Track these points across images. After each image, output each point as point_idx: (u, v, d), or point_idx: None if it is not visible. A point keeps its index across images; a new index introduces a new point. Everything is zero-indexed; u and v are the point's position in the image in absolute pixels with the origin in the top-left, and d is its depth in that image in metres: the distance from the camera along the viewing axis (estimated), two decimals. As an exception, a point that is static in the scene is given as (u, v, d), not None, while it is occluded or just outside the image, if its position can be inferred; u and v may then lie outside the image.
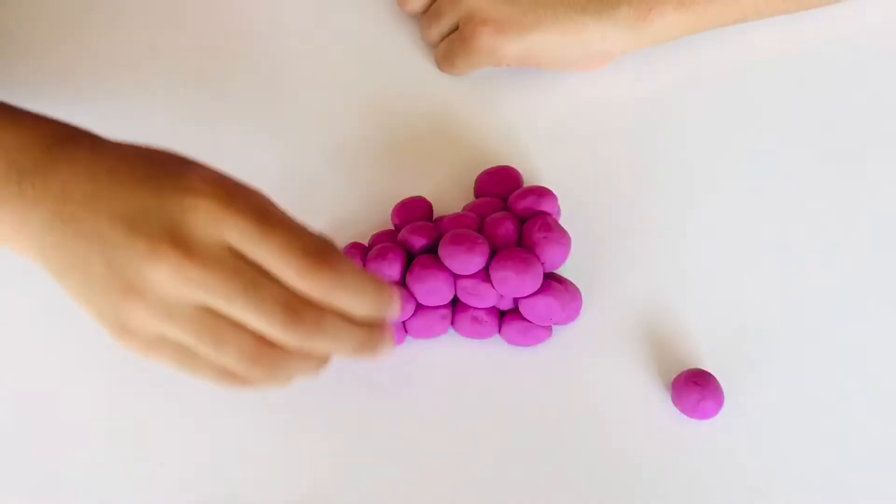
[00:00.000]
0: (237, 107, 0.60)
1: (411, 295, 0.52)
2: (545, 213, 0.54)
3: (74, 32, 0.62)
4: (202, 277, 0.40)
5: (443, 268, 0.52)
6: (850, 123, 0.60)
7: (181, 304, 0.40)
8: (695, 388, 0.52)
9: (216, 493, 0.52)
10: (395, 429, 0.53)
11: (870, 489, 0.52)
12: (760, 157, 0.59)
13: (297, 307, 0.41)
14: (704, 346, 0.54)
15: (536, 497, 0.51)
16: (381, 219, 0.57)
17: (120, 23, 0.62)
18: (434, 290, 0.52)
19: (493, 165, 0.57)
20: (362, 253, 0.54)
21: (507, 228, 0.53)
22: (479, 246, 0.51)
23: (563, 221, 0.55)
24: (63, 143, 0.44)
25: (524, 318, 0.53)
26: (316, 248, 0.41)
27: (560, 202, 0.55)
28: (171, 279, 0.40)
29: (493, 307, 0.53)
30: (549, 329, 0.53)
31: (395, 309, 0.43)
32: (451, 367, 0.54)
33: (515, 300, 0.53)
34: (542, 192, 0.55)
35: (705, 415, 0.52)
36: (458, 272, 0.52)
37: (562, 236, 0.53)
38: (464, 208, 0.56)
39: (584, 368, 0.54)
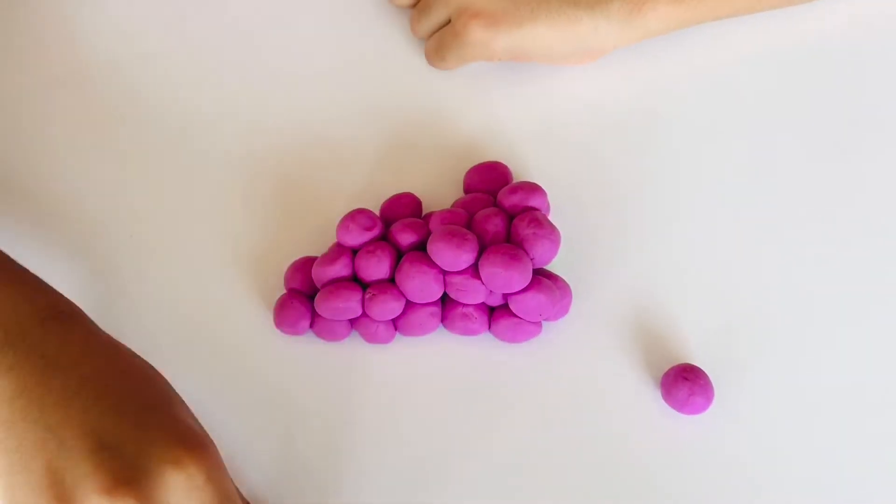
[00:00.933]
0: (226, 101, 0.60)
1: (401, 292, 0.52)
2: (534, 209, 0.54)
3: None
4: None
5: (432, 264, 0.52)
6: (842, 120, 0.60)
7: None
8: (684, 383, 0.52)
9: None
10: (385, 426, 0.53)
11: (859, 483, 0.52)
12: (751, 152, 0.59)
13: None
14: (694, 341, 0.54)
15: (527, 492, 0.51)
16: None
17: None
18: (424, 286, 0.52)
19: (482, 161, 0.57)
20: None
21: (497, 224, 0.53)
22: (469, 242, 0.51)
23: (553, 217, 0.55)
24: (56, 317, 0.43)
25: (514, 315, 0.53)
26: None
27: (549, 198, 0.55)
28: None
29: (483, 303, 0.53)
30: (538, 325, 0.53)
31: None
32: (441, 363, 0.54)
33: (505, 296, 0.53)
34: (532, 188, 0.54)
35: (695, 410, 0.52)
36: (447, 268, 0.52)
37: (551, 232, 0.53)
38: (453, 204, 0.56)
39: (574, 364, 0.54)
